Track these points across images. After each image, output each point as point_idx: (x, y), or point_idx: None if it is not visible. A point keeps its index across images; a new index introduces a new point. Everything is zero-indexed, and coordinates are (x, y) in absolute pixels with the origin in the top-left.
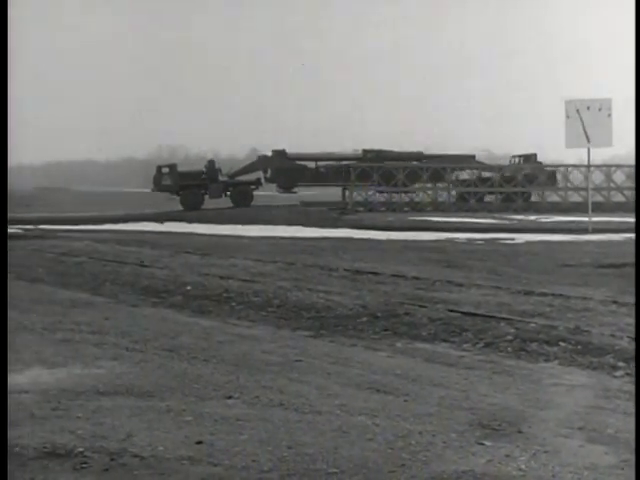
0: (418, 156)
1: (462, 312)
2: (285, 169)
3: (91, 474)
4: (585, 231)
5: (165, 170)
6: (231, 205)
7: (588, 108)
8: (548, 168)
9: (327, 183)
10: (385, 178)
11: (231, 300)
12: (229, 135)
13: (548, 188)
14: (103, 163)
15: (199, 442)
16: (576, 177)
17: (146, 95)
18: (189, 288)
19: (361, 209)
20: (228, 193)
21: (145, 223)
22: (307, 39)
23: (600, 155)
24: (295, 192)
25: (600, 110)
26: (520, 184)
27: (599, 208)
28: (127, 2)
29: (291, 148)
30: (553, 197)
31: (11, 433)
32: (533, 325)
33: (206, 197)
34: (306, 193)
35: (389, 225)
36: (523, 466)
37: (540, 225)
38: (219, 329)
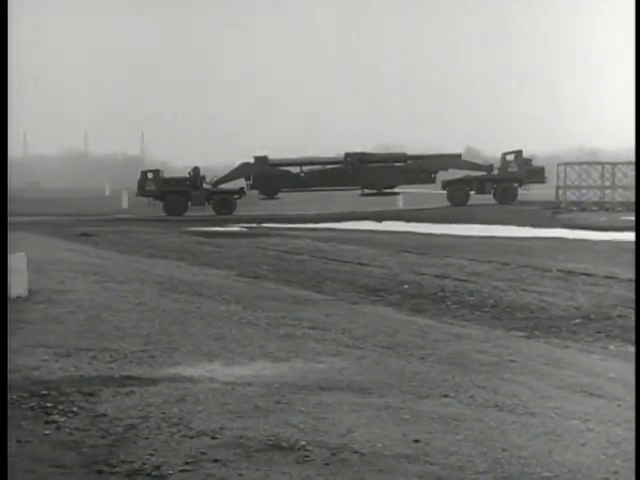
0: (402, 157)
1: None
2: (266, 175)
3: (313, 467)
4: None
5: (149, 175)
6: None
7: None
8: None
9: (310, 188)
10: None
11: (447, 299)
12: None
13: None
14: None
15: (416, 440)
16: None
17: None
18: (406, 287)
19: (574, 208)
20: (212, 201)
21: (364, 222)
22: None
23: None
24: (278, 198)
25: None
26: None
27: None
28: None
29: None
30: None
31: (236, 424)
32: None
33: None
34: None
35: (602, 225)
36: None
37: None
38: (435, 328)
